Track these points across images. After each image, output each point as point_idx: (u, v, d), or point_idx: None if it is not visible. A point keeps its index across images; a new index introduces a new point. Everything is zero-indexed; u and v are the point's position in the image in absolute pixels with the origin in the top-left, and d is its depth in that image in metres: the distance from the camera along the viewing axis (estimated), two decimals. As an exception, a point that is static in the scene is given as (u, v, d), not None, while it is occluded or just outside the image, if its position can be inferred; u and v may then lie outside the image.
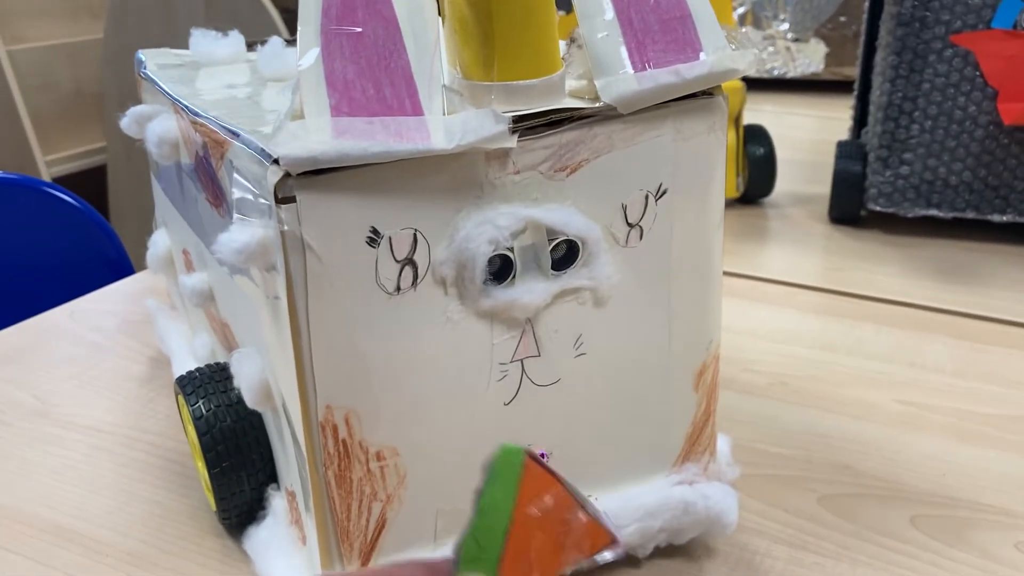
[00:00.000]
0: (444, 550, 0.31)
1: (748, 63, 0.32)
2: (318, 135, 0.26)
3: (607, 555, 0.27)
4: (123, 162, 1.59)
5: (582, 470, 0.35)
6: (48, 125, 1.59)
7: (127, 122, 0.43)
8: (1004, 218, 0.69)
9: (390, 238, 0.28)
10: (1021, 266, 0.66)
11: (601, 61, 0.30)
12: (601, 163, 0.31)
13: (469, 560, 0.25)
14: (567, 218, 0.31)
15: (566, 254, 0.31)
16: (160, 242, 0.48)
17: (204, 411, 0.36)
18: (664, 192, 0.32)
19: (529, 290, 0.31)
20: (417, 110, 0.27)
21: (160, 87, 0.41)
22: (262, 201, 0.28)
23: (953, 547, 0.38)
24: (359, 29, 0.27)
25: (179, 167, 0.40)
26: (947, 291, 0.62)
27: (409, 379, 0.30)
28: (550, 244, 0.31)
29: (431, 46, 0.28)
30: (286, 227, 0.27)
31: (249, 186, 0.29)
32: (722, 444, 0.38)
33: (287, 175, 0.27)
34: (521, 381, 0.32)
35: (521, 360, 0.32)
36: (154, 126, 0.39)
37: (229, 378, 0.37)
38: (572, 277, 0.32)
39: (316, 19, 0.27)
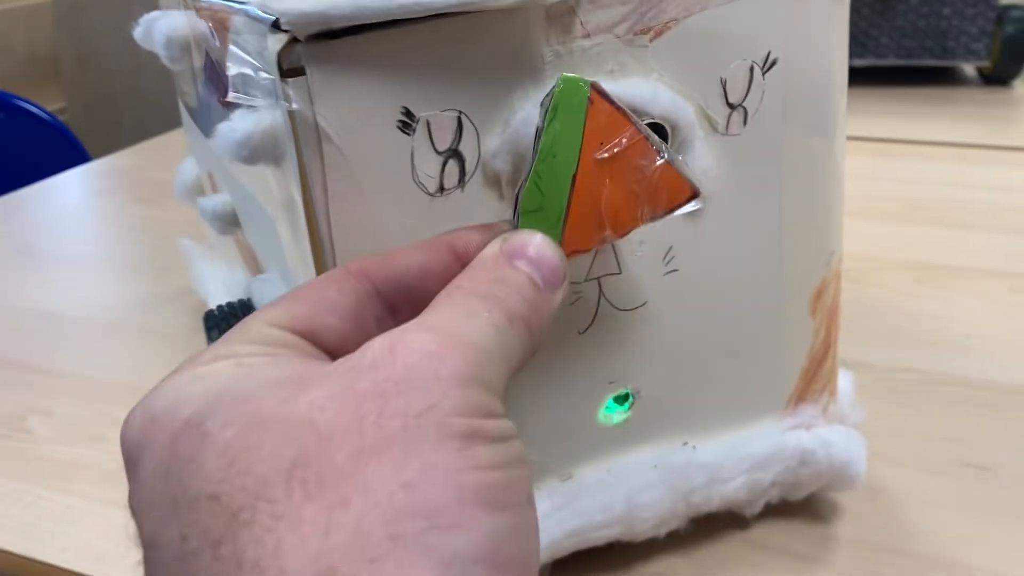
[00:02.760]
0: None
1: None
2: (330, -15, 0.20)
3: (687, 208, 0.24)
4: (83, 122, 1.61)
5: (676, 413, 0.28)
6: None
7: (140, 32, 0.37)
8: (862, 63, 0.79)
9: (428, 122, 0.23)
10: (881, 101, 0.78)
11: None
12: (694, 24, 0.24)
13: (530, 211, 0.22)
14: (652, 95, 0.24)
15: (651, 142, 0.25)
16: (187, 170, 0.43)
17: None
18: (773, 63, 0.26)
19: (606, 188, 0.24)
20: (457, -51, 0.21)
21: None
22: (264, 76, 0.22)
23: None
24: None
25: (194, 74, 0.35)
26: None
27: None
28: (631, 129, 0.24)
29: None
30: (295, 106, 0.21)
31: (249, 59, 0.23)
32: (843, 381, 0.32)
33: (294, 40, 0.21)
34: (599, 304, 0.26)
35: (598, 279, 0.26)
36: (160, 26, 0.33)
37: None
38: (659, 172, 0.25)
39: None
